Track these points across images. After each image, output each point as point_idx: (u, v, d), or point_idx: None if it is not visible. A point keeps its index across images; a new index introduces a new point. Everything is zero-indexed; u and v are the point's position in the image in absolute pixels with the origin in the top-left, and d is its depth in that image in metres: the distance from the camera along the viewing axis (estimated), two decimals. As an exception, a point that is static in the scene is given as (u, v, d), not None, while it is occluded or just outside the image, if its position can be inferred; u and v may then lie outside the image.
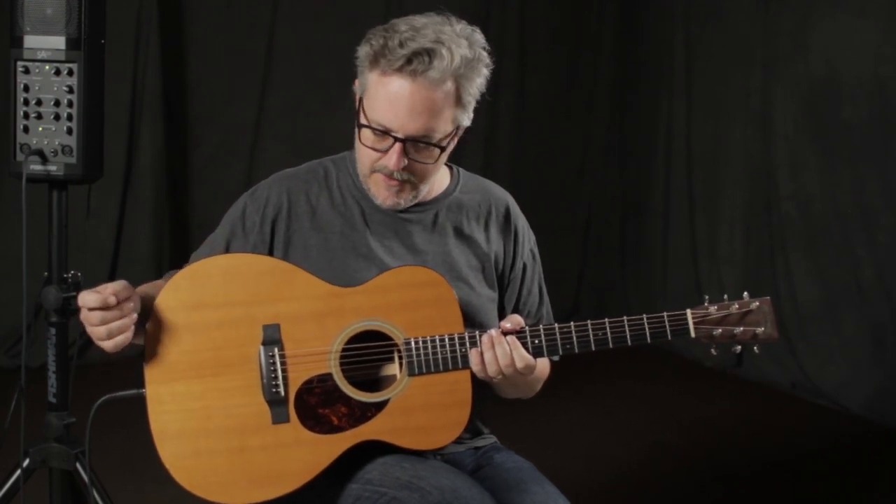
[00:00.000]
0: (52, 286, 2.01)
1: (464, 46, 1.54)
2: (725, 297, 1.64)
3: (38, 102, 1.94)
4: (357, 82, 1.62)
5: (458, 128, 1.62)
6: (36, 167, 1.95)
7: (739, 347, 1.63)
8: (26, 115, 1.94)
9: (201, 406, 1.52)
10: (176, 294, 1.54)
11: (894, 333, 4.21)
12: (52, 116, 1.95)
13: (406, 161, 1.57)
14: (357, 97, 1.62)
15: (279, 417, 1.53)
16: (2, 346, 4.44)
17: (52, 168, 1.96)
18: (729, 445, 3.84)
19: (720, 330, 1.61)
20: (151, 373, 1.53)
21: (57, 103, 1.94)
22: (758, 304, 1.62)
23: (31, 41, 1.93)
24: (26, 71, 1.93)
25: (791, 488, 3.37)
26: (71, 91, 1.94)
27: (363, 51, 1.57)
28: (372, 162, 1.60)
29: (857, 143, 4.42)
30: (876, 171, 4.32)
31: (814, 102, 4.66)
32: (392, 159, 1.56)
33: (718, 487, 3.37)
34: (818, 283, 4.64)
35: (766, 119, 4.96)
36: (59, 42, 1.93)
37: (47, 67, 1.93)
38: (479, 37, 1.58)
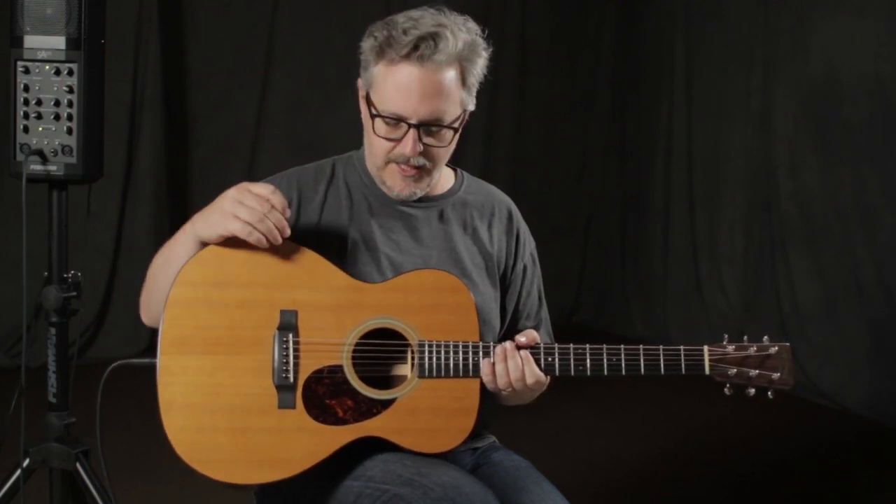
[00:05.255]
0: (52, 286, 2.01)
1: (464, 30, 1.58)
2: (745, 337, 1.63)
3: (38, 102, 1.94)
4: (361, 81, 1.64)
5: (465, 111, 1.64)
6: (36, 167, 1.95)
7: (753, 391, 1.60)
8: (26, 115, 1.94)
9: (211, 382, 1.53)
10: (200, 269, 1.56)
11: (894, 333, 4.21)
12: (52, 116, 1.94)
13: (421, 146, 1.59)
14: (363, 93, 1.63)
15: (285, 403, 1.54)
16: (2, 346, 4.44)
17: (52, 168, 1.96)
18: (728, 445, 3.84)
19: (735, 370, 1.58)
20: (166, 344, 1.53)
21: (57, 103, 1.94)
22: (776, 349, 1.60)
23: (31, 41, 1.93)
24: (26, 71, 1.93)
25: (791, 488, 3.37)
26: (71, 91, 1.94)
27: (367, 44, 1.59)
28: (386, 152, 1.61)
29: (857, 143, 4.41)
30: (876, 171, 4.32)
31: (814, 102, 4.66)
32: (408, 145, 1.58)
33: (718, 486, 3.36)
34: (818, 283, 4.63)
35: (766, 119, 4.96)
36: (59, 42, 1.93)
37: (47, 67, 1.93)
38: (473, 25, 1.62)
